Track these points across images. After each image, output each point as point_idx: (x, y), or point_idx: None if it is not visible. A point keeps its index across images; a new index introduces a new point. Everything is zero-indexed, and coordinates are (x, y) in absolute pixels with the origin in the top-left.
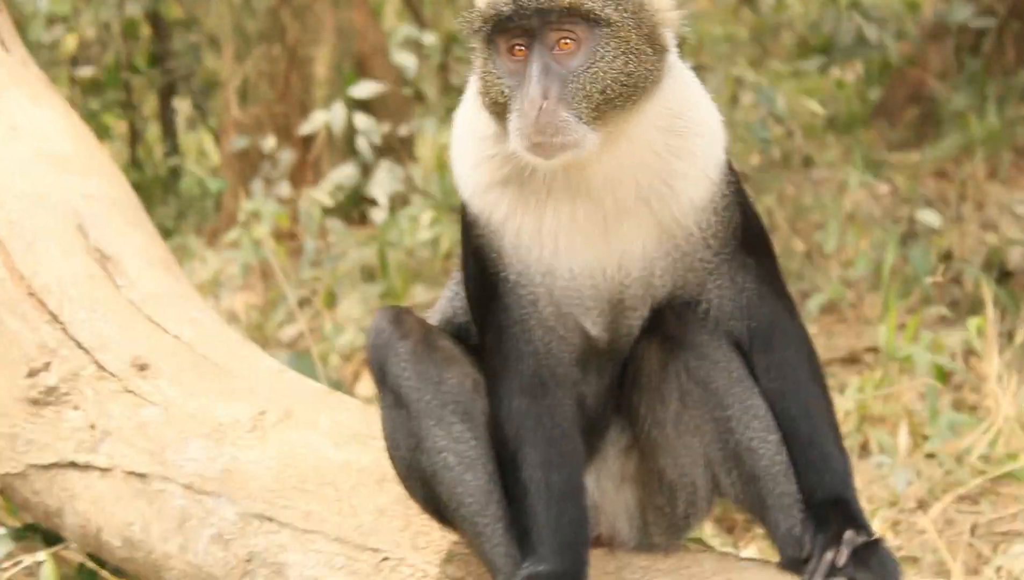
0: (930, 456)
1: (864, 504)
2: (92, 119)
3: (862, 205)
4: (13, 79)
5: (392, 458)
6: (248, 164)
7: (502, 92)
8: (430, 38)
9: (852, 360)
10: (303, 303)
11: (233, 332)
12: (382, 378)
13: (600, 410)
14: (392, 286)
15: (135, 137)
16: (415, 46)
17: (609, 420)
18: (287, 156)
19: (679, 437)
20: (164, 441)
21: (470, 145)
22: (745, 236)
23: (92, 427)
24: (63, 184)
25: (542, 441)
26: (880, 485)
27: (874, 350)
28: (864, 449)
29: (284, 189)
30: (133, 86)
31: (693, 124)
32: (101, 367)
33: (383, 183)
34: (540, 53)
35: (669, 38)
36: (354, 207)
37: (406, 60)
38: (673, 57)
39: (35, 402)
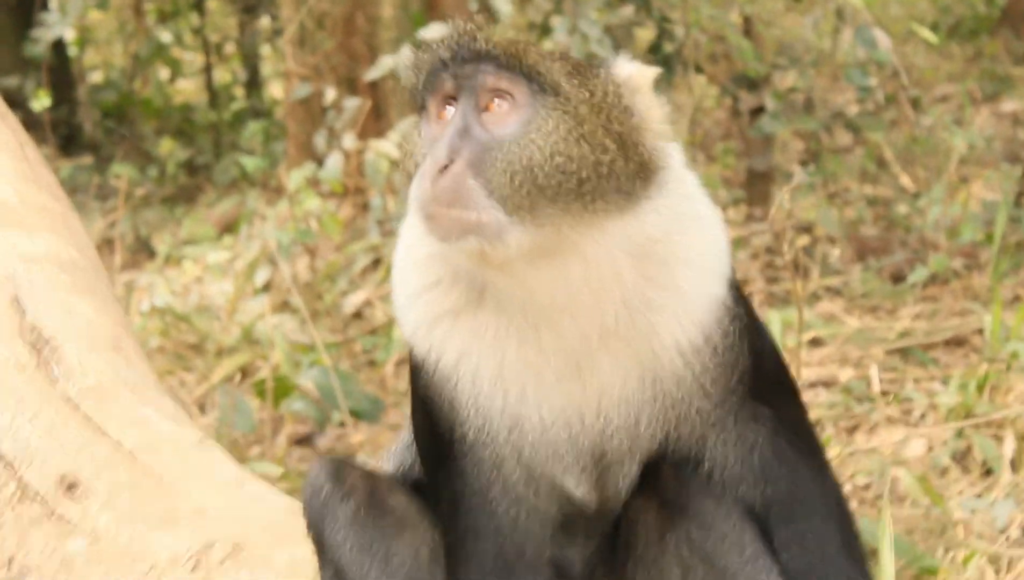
0: None
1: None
2: (159, 52)
3: (981, 130)
4: None
5: None
6: (309, 114)
7: (416, 162)
8: None
9: (957, 343)
10: (367, 270)
11: (190, 430)
12: (320, 548)
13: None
14: None
15: (210, 70)
16: None
17: None
18: (352, 104)
19: None
20: None
21: (411, 267)
22: (756, 382)
23: (10, 562)
24: (2, 244)
25: None
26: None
27: (982, 332)
28: (965, 457)
29: (349, 141)
30: (208, 11)
31: (679, 249)
32: (24, 485)
33: None
34: (464, 111)
35: (661, 154)
36: None
37: None
38: (670, 174)
39: None
